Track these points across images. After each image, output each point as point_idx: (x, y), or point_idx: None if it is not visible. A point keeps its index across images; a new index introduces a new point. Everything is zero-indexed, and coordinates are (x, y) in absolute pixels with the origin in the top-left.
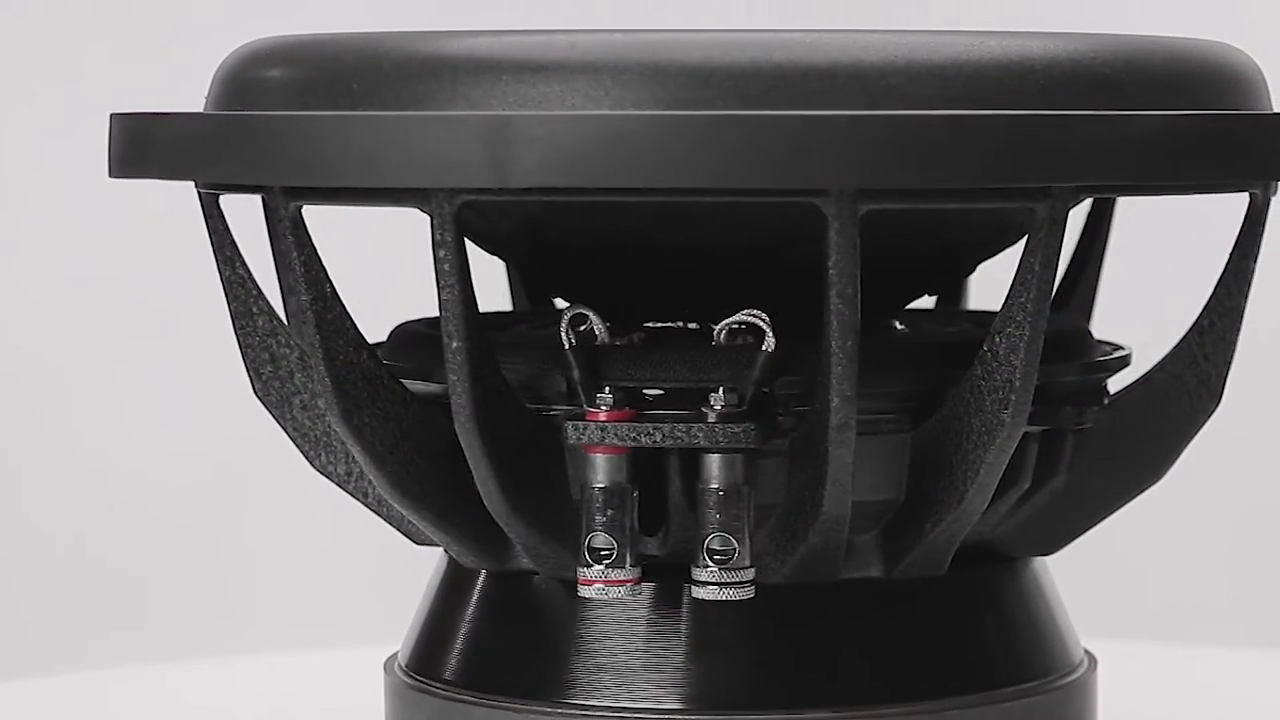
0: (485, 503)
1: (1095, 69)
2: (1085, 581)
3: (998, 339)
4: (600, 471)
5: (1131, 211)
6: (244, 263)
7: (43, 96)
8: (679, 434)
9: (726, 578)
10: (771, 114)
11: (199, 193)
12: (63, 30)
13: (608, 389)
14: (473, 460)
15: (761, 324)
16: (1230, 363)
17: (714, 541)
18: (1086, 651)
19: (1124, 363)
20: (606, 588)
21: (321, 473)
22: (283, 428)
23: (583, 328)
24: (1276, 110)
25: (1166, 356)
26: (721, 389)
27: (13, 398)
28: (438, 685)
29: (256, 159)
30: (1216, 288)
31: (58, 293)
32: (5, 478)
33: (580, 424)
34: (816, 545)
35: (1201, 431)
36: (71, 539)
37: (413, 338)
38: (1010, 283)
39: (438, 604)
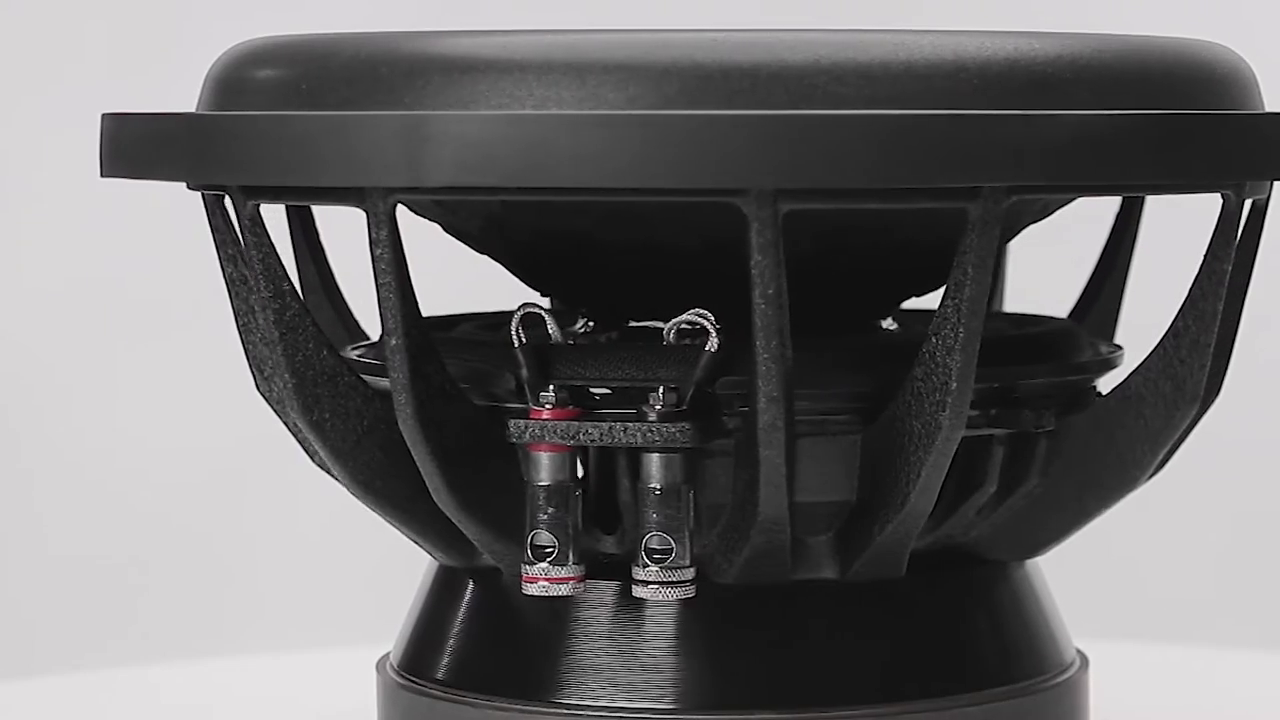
0: (435, 499)
1: (1035, 68)
2: (1078, 581)
3: (935, 340)
4: (542, 469)
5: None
6: (246, 261)
7: (43, 96)
8: (617, 433)
9: (666, 577)
10: (688, 113)
11: (201, 192)
12: (62, 30)
13: (552, 387)
14: (417, 456)
15: (707, 324)
16: (1206, 367)
17: (652, 541)
18: (1078, 651)
19: (1107, 365)
20: (549, 585)
21: (321, 468)
22: (284, 423)
23: (573, 326)
24: (1255, 110)
25: (1143, 361)
26: (662, 388)
27: (12, 398)
28: (429, 685)
29: (209, 159)
30: (1191, 290)
31: (58, 293)
32: (5, 478)
33: (521, 421)
34: (760, 546)
35: (1196, 431)
36: (71, 539)
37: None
38: (946, 284)
39: (429, 604)
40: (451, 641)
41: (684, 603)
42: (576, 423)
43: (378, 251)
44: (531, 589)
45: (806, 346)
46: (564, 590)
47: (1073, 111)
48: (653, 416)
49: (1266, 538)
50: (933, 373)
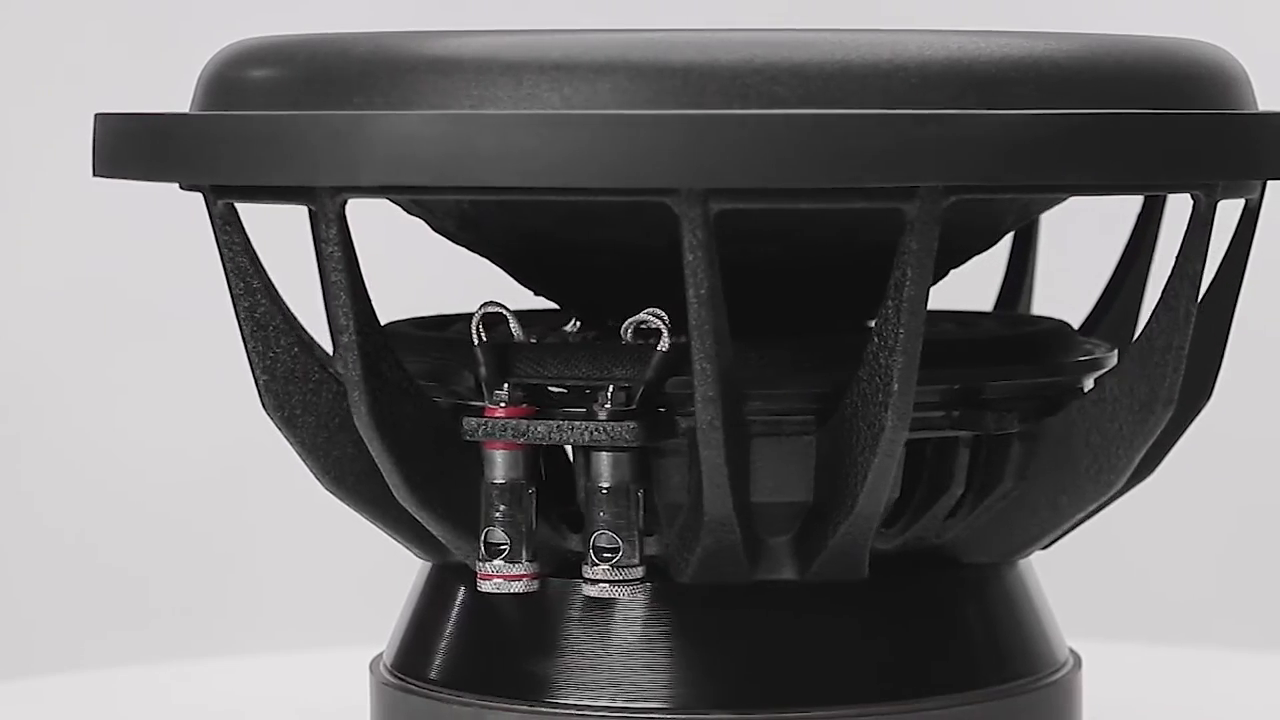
0: (395, 496)
1: (977, 67)
2: (1076, 581)
3: (877, 341)
4: (495, 467)
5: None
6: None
7: (44, 96)
8: (565, 431)
9: (614, 575)
10: (616, 113)
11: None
12: (63, 30)
13: (506, 385)
14: (374, 453)
15: (660, 324)
16: (1180, 370)
17: (601, 539)
18: (1071, 651)
19: (1090, 367)
20: (503, 582)
21: None
22: None
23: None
24: (1243, 109)
25: (1118, 363)
26: (611, 387)
27: (13, 398)
28: (422, 685)
29: (174, 159)
30: (1164, 291)
31: (58, 293)
32: (6, 478)
33: (474, 419)
34: (710, 546)
35: (1196, 429)
36: (72, 539)
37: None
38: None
39: (422, 604)
40: (444, 641)
41: (677, 602)
42: (527, 420)
43: (327, 250)
44: (486, 586)
45: (764, 346)
46: (518, 587)
47: (1007, 111)
48: (602, 415)
49: (1265, 538)
50: (876, 374)
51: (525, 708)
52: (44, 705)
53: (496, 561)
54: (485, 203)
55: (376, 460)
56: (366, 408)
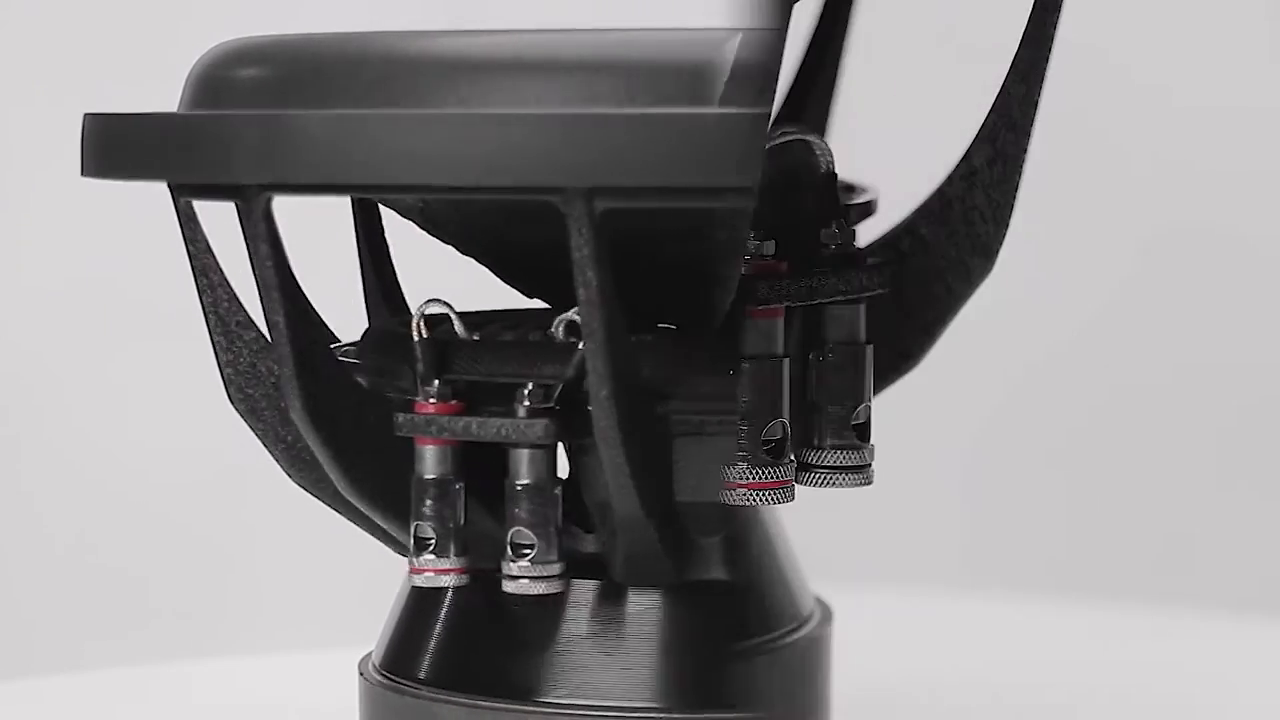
0: (340, 490)
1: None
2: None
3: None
4: (423, 462)
5: None
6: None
7: (44, 96)
8: (483, 427)
9: (532, 572)
10: (501, 112)
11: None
12: (63, 30)
13: (437, 382)
14: (312, 446)
15: None
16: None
17: (518, 536)
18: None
19: None
20: (434, 576)
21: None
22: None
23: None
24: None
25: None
26: (531, 385)
27: (13, 398)
28: (411, 685)
29: (134, 157)
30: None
31: (58, 293)
32: (6, 478)
33: (402, 415)
34: (627, 546)
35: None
36: (72, 539)
37: (381, 336)
38: None
39: (411, 603)
40: (432, 641)
41: (680, 601)
42: (449, 417)
43: (255, 246)
44: (418, 580)
45: (685, 345)
46: (448, 581)
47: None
48: (521, 413)
49: None
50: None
51: (517, 707)
52: (44, 705)
53: (426, 555)
54: (437, 201)
55: (315, 453)
56: (300, 402)
